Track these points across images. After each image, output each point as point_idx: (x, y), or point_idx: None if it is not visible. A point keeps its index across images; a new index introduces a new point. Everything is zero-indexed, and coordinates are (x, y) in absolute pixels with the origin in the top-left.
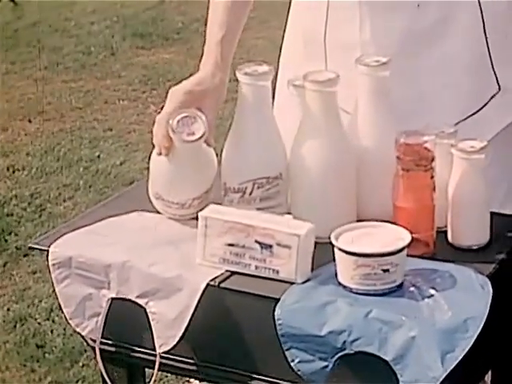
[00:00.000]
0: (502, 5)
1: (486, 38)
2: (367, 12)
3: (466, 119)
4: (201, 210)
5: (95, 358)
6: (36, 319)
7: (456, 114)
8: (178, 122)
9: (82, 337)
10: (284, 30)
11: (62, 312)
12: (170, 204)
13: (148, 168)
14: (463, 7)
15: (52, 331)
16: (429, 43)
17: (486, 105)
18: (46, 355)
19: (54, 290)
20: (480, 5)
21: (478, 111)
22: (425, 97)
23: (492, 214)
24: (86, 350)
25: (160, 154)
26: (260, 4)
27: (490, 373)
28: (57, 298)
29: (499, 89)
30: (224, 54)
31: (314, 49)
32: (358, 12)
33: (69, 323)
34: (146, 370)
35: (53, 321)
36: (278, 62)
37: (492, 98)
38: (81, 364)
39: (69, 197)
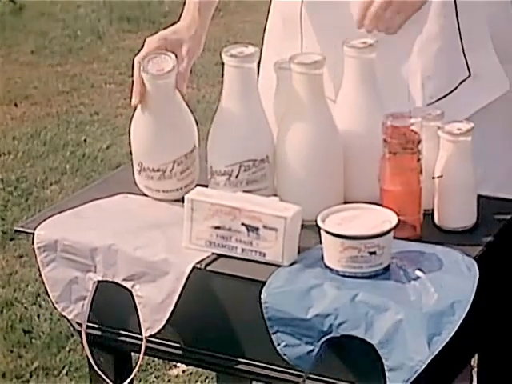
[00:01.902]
0: None
1: (458, 23)
2: None
3: (434, 102)
4: (186, 188)
5: (82, 342)
6: (23, 304)
7: (425, 97)
8: (149, 61)
9: (69, 321)
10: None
11: (49, 296)
12: (152, 174)
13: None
14: None
15: (39, 316)
16: (403, 26)
17: (455, 89)
18: (33, 340)
19: (40, 275)
20: None
21: (446, 95)
22: (396, 79)
23: (479, 196)
24: (72, 335)
25: (135, 103)
26: None
27: (476, 356)
28: (43, 283)
29: (469, 74)
30: (202, 10)
31: (291, 28)
32: None
33: (55, 307)
34: (133, 354)
35: (39, 305)
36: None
37: (462, 82)
38: (68, 349)
39: (55, 181)
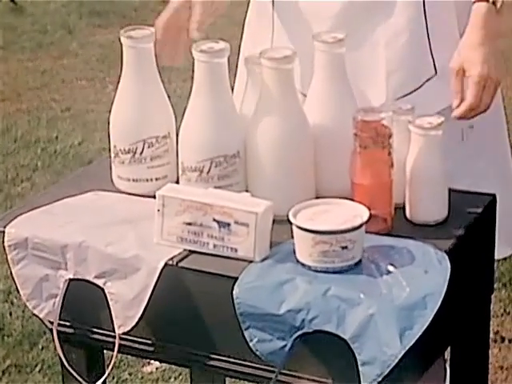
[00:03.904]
0: None
1: (426, 20)
2: None
3: (398, 99)
4: (157, 182)
5: (53, 340)
6: None
7: (389, 92)
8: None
9: (40, 319)
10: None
11: (20, 294)
12: (124, 157)
13: (106, 148)
14: None
15: (11, 314)
16: (371, 18)
17: (420, 87)
18: (5, 338)
19: (11, 272)
20: None
21: (411, 92)
22: (361, 73)
23: (450, 190)
24: (45, 333)
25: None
26: None
27: (449, 349)
28: (14, 280)
29: (435, 73)
30: None
31: (263, 20)
32: None
33: (26, 305)
34: (105, 352)
35: (11, 303)
36: (241, 39)
37: (427, 81)
38: (40, 346)
39: (26, 177)
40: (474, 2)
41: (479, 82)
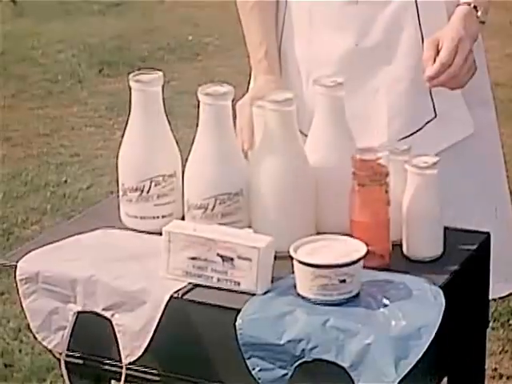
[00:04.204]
0: None
1: None
2: (317, 29)
3: (399, 141)
4: (164, 219)
5: (61, 371)
6: (4, 339)
7: (391, 135)
8: None
9: (50, 350)
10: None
11: (30, 331)
12: (131, 195)
13: (114, 192)
14: (405, 32)
15: (20, 350)
16: (372, 64)
17: (420, 129)
18: (15, 374)
19: (21, 311)
20: (421, 31)
21: (411, 134)
22: (363, 117)
23: (445, 228)
24: (53, 368)
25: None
26: (224, 33)
27: (446, 379)
28: (25, 318)
29: (435, 115)
30: (271, 65)
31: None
32: (309, 28)
33: (35, 337)
34: (113, 383)
35: (21, 340)
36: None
37: (427, 123)
38: (48, 381)
39: (36, 220)
40: (457, 6)
41: (452, 42)
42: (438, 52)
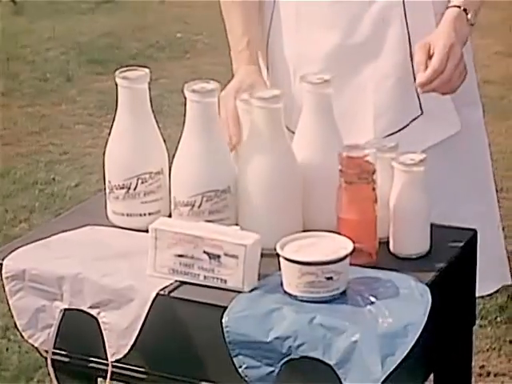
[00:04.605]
0: (430, 31)
1: (412, 63)
2: (304, 26)
3: (384, 137)
4: (150, 216)
5: (48, 369)
6: None
7: (376, 132)
8: None
9: (37, 349)
10: None
11: (17, 329)
12: (118, 193)
13: (102, 189)
14: (392, 30)
15: (7, 349)
16: (359, 61)
17: (406, 126)
18: (2, 373)
19: (8, 309)
20: (408, 29)
21: (397, 131)
22: (349, 113)
23: (432, 225)
24: (41, 367)
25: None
26: (213, 31)
27: (432, 376)
28: (12, 317)
29: (421, 112)
30: (252, 55)
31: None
32: (296, 26)
33: (22, 336)
34: (100, 381)
35: (8, 339)
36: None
37: (413, 120)
38: (36, 380)
39: (24, 218)
40: (447, 8)
41: (444, 49)
42: (429, 56)
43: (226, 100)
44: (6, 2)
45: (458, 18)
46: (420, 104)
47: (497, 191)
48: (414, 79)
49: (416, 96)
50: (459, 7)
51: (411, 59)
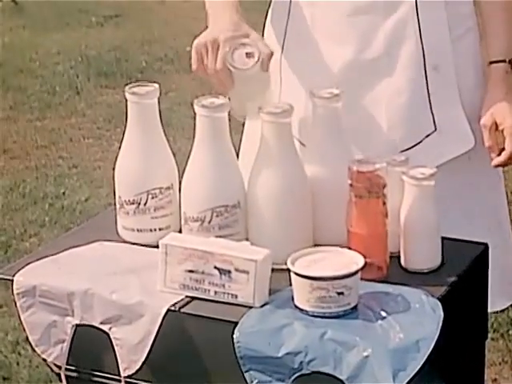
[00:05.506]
0: (444, 47)
1: (426, 77)
2: (318, 41)
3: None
4: (160, 232)
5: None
6: (2, 352)
7: (390, 148)
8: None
9: (48, 365)
10: None
11: (29, 344)
12: (128, 208)
13: (112, 203)
14: (406, 45)
15: (18, 363)
16: (373, 76)
17: (420, 143)
18: None
19: (19, 324)
20: (422, 44)
21: (411, 148)
22: (362, 128)
23: (443, 238)
24: (51, 381)
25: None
26: None
27: None
28: (23, 331)
29: (435, 129)
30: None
31: (272, 75)
32: (310, 40)
33: (33, 350)
34: None
35: (19, 353)
36: None
37: (427, 137)
38: None
39: (34, 233)
40: (491, 63)
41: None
42: (495, 126)
43: (216, 47)
44: (15, 16)
45: (508, 73)
46: (434, 120)
47: (508, 203)
48: (428, 95)
49: (430, 112)
50: (504, 61)
51: (425, 75)
